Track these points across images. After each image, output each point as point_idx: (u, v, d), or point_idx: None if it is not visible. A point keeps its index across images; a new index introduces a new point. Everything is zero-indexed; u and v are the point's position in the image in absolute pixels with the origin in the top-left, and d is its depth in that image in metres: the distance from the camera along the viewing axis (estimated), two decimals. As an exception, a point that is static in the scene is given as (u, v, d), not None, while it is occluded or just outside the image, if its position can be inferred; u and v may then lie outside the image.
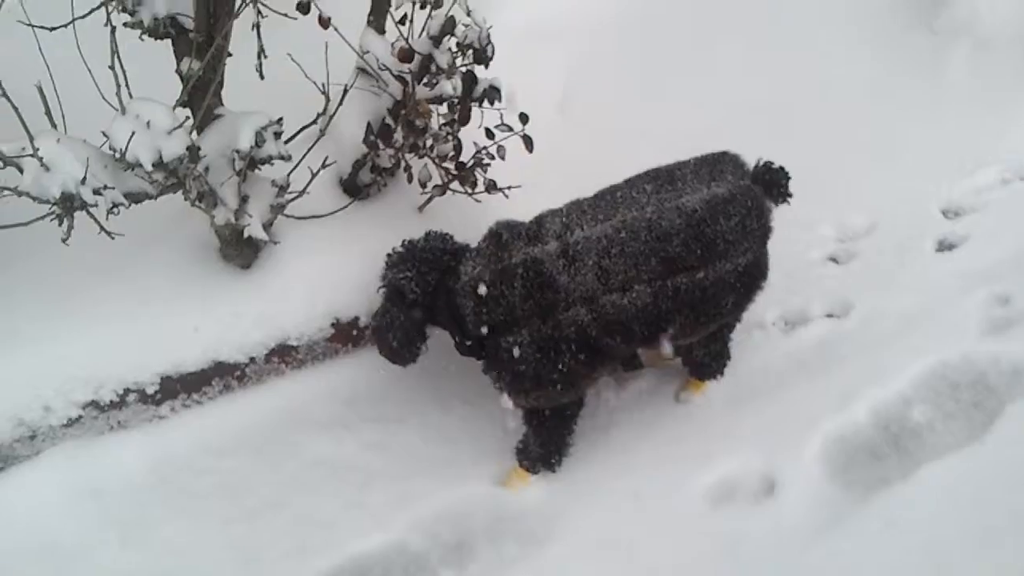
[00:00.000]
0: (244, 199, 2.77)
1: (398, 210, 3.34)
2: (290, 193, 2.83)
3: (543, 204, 3.09)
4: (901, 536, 2.67)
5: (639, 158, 2.86)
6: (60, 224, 2.57)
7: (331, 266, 3.15)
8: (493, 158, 3.02)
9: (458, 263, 2.81)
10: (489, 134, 2.99)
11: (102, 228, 2.61)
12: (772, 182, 2.82)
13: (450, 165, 3.04)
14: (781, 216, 2.93)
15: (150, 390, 3.01)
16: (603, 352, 2.77)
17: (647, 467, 2.98)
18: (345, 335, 3.22)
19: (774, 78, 4.21)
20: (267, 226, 2.85)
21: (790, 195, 2.86)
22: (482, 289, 2.71)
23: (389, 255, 2.89)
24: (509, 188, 3.10)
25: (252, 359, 3.08)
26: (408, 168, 3.06)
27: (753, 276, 2.81)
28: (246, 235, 2.82)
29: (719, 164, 2.77)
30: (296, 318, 3.09)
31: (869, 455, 2.96)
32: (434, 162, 3.04)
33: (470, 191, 3.09)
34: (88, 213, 2.58)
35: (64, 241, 2.54)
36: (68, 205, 2.44)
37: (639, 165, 2.84)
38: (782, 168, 2.85)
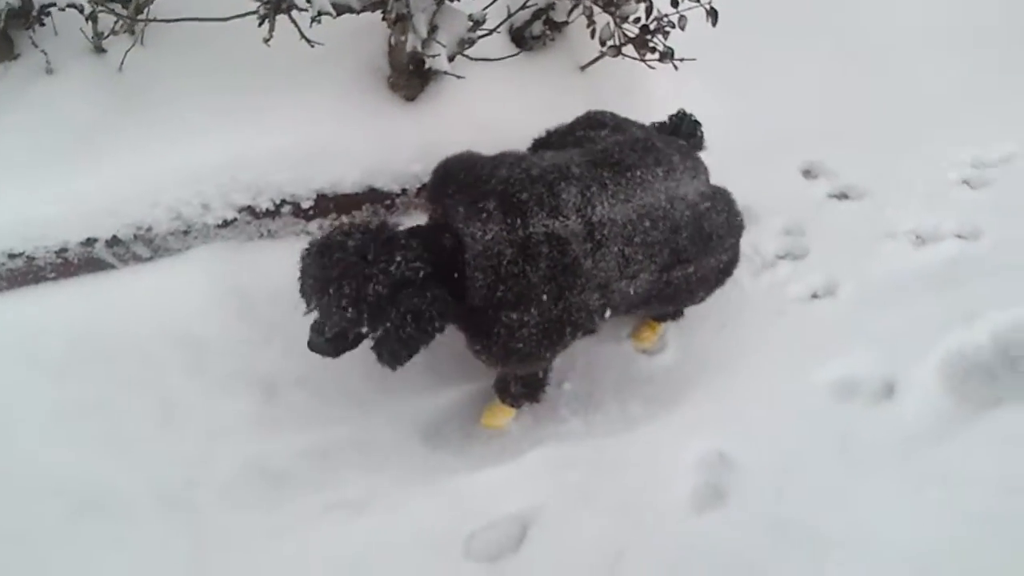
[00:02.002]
0: (433, 29, 2.76)
1: (562, 67, 3.36)
2: (482, 30, 2.82)
3: (695, 87, 3.14)
4: (1011, 450, 2.76)
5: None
6: (260, 24, 2.57)
7: (493, 111, 3.17)
8: (674, 26, 3.00)
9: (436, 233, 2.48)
10: (674, 2, 2.96)
11: (303, 36, 2.62)
12: (687, 133, 2.90)
13: (631, 27, 3.02)
14: (923, 134, 2.99)
15: (305, 204, 3.06)
16: (589, 331, 2.73)
17: (775, 352, 3.05)
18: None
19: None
20: (450, 59, 2.85)
21: (702, 143, 2.96)
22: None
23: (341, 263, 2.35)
24: (682, 60, 3.08)
25: (404, 191, 3.12)
26: (592, 23, 3.03)
27: (727, 273, 2.89)
28: (427, 66, 2.83)
29: (697, 164, 2.79)
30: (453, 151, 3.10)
31: (986, 374, 3.06)
32: (616, 22, 3.02)
33: (643, 57, 3.07)
34: (291, 18, 2.59)
35: (266, 42, 2.55)
36: (277, 5, 2.44)
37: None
38: (692, 118, 2.93)
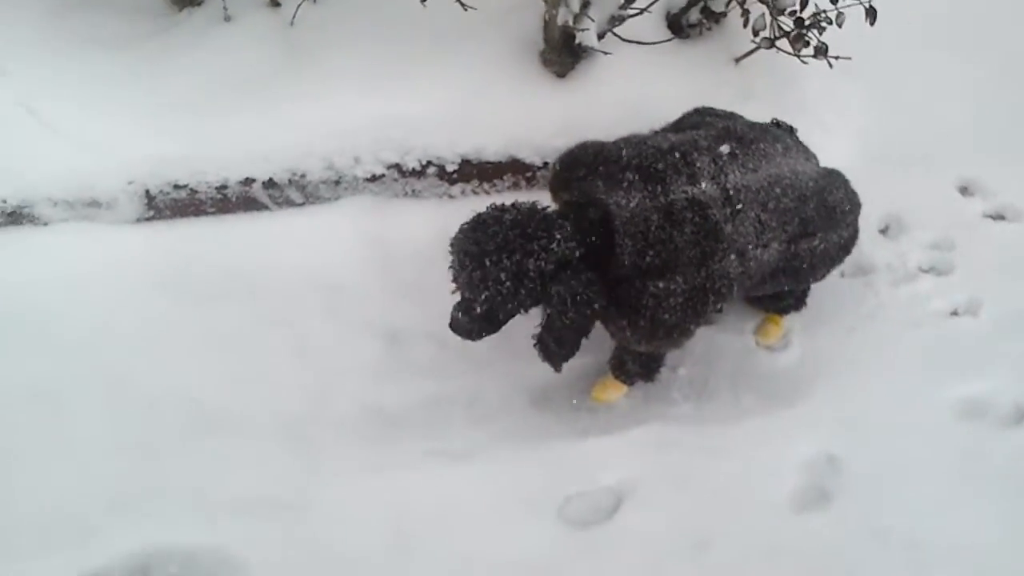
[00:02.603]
0: (585, 4, 2.82)
1: (715, 58, 3.36)
2: (633, 8, 2.86)
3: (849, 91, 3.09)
4: None
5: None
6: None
7: (644, 95, 3.21)
8: (831, 22, 2.96)
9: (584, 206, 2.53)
10: (833, -2, 2.93)
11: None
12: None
13: (787, 20, 3.00)
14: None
15: (449, 168, 3.18)
16: (729, 300, 2.72)
17: (904, 364, 2.97)
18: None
19: None
20: (600, 36, 2.90)
21: None
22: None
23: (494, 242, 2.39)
24: (837, 58, 3.04)
25: (546, 164, 3.18)
26: (746, 12, 3.03)
27: (847, 250, 2.86)
28: (577, 41, 2.89)
29: (807, 150, 2.83)
30: (597, 131, 3.15)
31: None
32: (771, 13, 3.01)
33: (797, 52, 3.04)
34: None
35: (423, 1, 2.66)
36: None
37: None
38: (787, 125, 2.87)
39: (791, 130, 2.86)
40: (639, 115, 3.16)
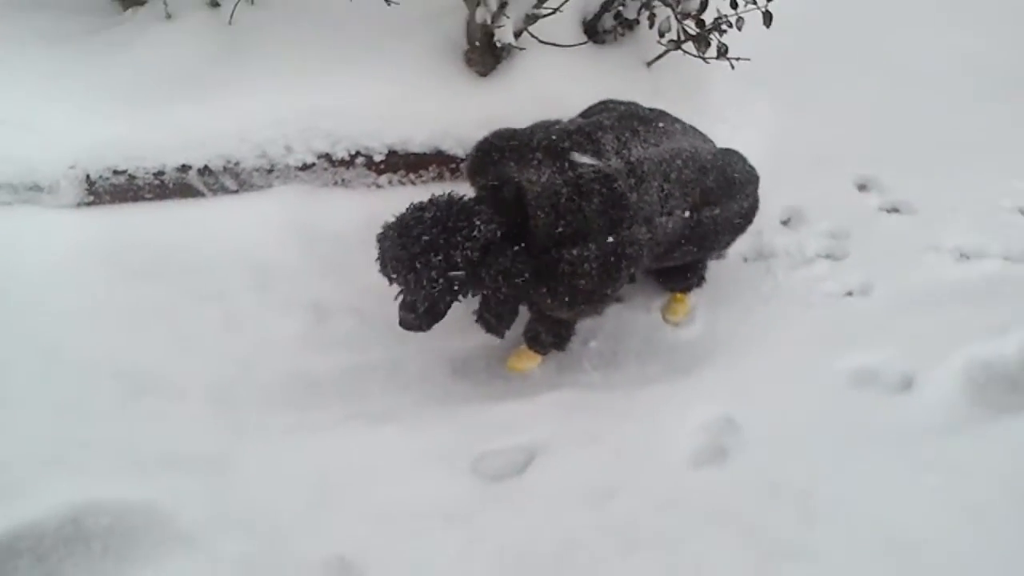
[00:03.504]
0: (503, 4, 3.06)
1: (628, 62, 3.61)
2: (545, 8, 3.11)
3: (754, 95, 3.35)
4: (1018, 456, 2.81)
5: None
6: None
7: (560, 93, 3.41)
8: (731, 26, 3.22)
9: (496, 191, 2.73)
10: (733, 3, 3.19)
11: (383, -6, 2.96)
12: None
13: (691, 23, 3.26)
14: (982, 162, 3.31)
15: (377, 158, 3.38)
16: (640, 269, 2.96)
17: (799, 338, 3.19)
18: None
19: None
20: (516, 35, 3.14)
21: None
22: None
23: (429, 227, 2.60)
24: (738, 59, 3.30)
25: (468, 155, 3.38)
26: (653, 16, 3.29)
27: (748, 220, 3.12)
28: (496, 38, 3.12)
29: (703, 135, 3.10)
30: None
31: (1009, 384, 3.10)
32: (676, 17, 3.27)
33: (702, 53, 3.30)
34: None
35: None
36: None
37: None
38: None
39: None
40: (555, 112, 3.34)
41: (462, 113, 3.39)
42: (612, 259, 2.70)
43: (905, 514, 2.68)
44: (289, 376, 3.05)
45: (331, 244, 3.29)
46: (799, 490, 2.77)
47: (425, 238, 2.54)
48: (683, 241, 2.95)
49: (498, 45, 3.21)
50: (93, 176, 3.23)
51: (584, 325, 3.15)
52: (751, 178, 3.07)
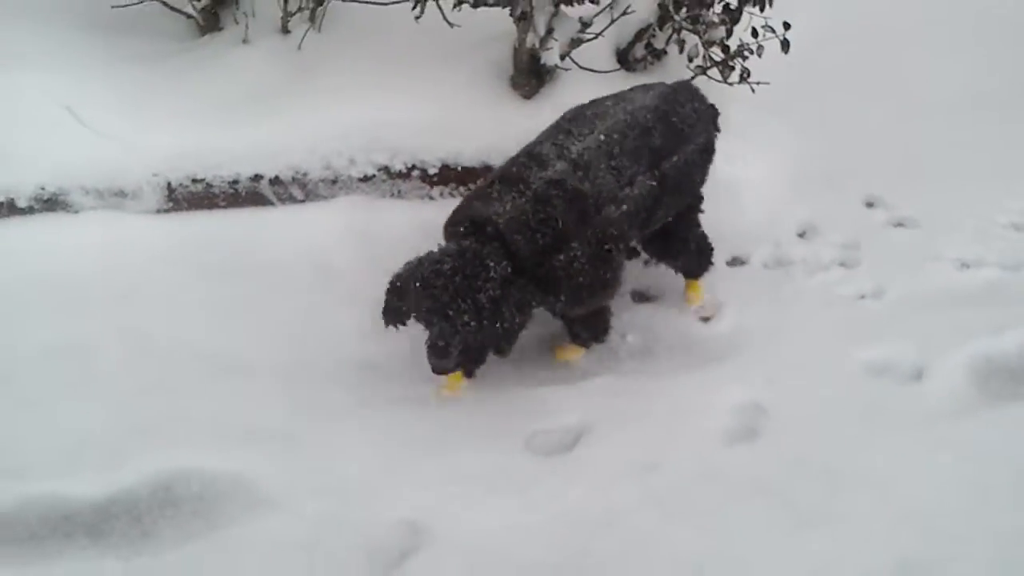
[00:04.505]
0: (550, 31, 3.42)
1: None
2: (588, 33, 3.47)
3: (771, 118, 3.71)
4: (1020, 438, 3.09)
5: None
6: (413, 8, 3.28)
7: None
8: (752, 52, 3.58)
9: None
10: (754, 32, 3.55)
11: (445, 18, 3.31)
12: None
13: (716, 50, 3.62)
14: (979, 182, 3.81)
15: (431, 171, 3.73)
16: (628, 243, 3.21)
17: (819, 333, 3.50)
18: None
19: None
20: (562, 57, 3.50)
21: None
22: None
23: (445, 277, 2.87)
24: (758, 83, 3.65)
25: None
26: (682, 42, 3.65)
27: (709, 152, 3.39)
28: (542, 61, 3.48)
29: (653, 86, 3.35)
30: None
31: (1009, 376, 3.37)
32: (703, 44, 3.63)
33: (725, 78, 3.66)
34: (438, 5, 3.29)
35: (417, 19, 3.25)
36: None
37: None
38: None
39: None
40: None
41: (508, 131, 3.71)
42: (598, 247, 2.97)
43: (921, 487, 2.91)
44: (351, 361, 3.35)
45: (387, 248, 3.56)
46: (825, 465, 3.01)
47: (451, 287, 2.79)
48: (660, 196, 3.18)
49: (544, 66, 3.53)
50: (173, 184, 3.55)
51: (620, 321, 3.42)
52: (702, 114, 3.31)
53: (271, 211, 3.64)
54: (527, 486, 2.97)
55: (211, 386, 3.18)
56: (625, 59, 3.93)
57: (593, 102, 3.25)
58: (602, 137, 3.04)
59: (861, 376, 3.33)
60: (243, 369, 3.23)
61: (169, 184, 3.54)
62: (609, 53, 3.94)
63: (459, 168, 3.73)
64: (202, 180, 3.55)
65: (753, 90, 3.68)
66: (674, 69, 3.94)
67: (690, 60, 3.67)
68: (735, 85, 3.68)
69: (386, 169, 3.67)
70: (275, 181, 3.60)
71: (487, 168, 3.73)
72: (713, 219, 3.76)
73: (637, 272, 3.68)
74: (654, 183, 3.13)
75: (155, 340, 3.25)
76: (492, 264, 2.83)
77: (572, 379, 3.34)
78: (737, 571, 2.74)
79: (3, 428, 2.93)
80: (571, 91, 3.79)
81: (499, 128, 3.73)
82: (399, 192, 3.71)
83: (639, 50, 3.89)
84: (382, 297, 3.45)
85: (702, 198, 3.51)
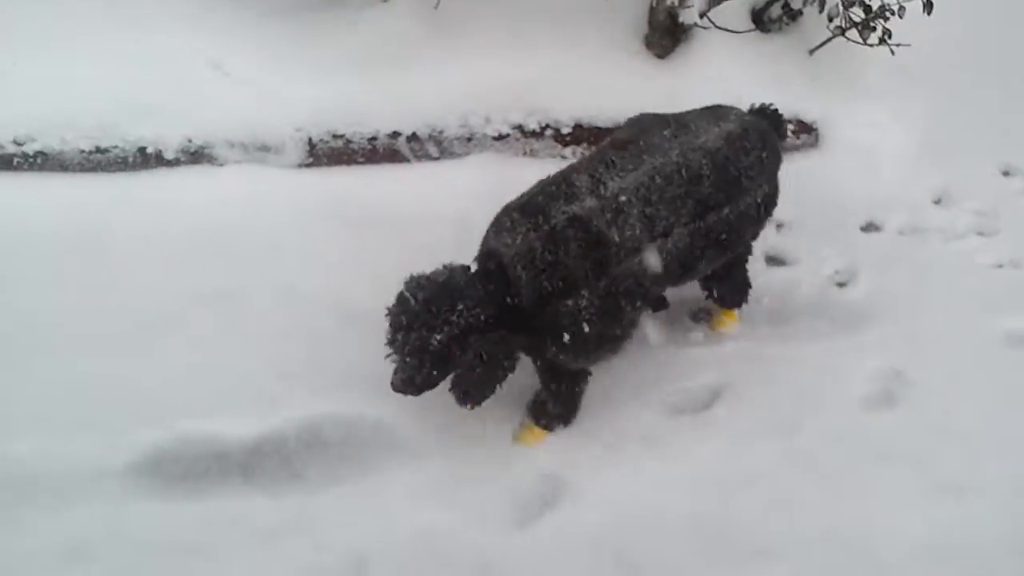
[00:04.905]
0: (689, -13, 3.41)
1: (792, 50, 3.94)
2: (729, -9, 3.45)
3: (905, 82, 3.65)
4: None
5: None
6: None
7: (729, 76, 3.77)
8: (893, 13, 3.52)
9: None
10: (894, -9, 3.49)
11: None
12: (769, 116, 3.05)
13: (857, 10, 3.57)
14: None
15: (564, 131, 3.74)
16: (651, 298, 2.88)
17: (957, 301, 3.51)
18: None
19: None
20: (701, 16, 3.49)
21: (787, 134, 3.10)
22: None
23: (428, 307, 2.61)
24: (898, 45, 3.60)
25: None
26: (823, 2, 3.60)
27: (768, 207, 2.99)
28: (680, 19, 3.47)
29: (720, 109, 2.95)
30: (692, 106, 3.70)
31: None
32: (843, 4, 3.58)
33: (864, 39, 3.60)
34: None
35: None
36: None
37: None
38: (776, 110, 3.07)
39: (779, 117, 3.12)
40: (725, 93, 3.71)
41: (642, 91, 3.74)
42: (610, 301, 2.64)
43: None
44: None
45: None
46: (964, 433, 3.04)
47: (405, 319, 2.58)
48: (702, 250, 2.83)
49: (682, 25, 3.52)
50: (314, 139, 3.62)
51: (756, 284, 3.40)
52: (765, 167, 2.89)
53: (407, 168, 3.69)
54: (666, 442, 3.03)
55: (351, 335, 3.23)
56: (760, 19, 3.89)
57: (654, 123, 2.87)
58: (645, 179, 2.67)
59: (1000, 345, 3.32)
60: (379, 318, 3.27)
61: (310, 139, 3.60)
62: (745, 12, 3.91)
63: (593, 128, 3.70)
64: (342, 136, 3.62)
65: (893, 52, 3.62)
66: (810, 30, 3.91)
67: (830, 20, 3.62)
68: (875, 47, 3.60)
69: (520, 128, 3.69)
70: (412, 138, 3.65)
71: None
72: (847, 184, 3.74)
73: (772, 237, 3.65)
74: (698, 236, 2.78)
75: (298, 290, 3.32)
76: (461, 308, 2.55)
77: (708, 342, 3.36)
78: (873, 534, 2.78)
79: (173, 369, 3.03)
80: (706, 52, 3.81)
81: (632, 88, 3.74)
82: (531, 151, 3.74)
83: (775, 10, 3.85)
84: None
85: (751, 249, 3.21)
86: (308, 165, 3.64)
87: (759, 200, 2.89)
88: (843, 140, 3.85)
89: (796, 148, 3.82)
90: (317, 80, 3.63)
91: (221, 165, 3.60)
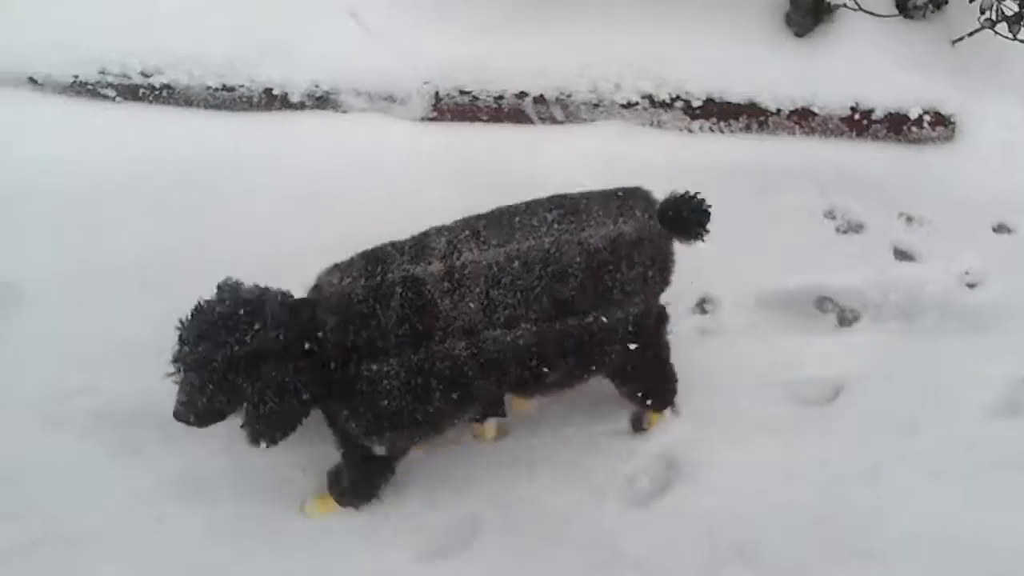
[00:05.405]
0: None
1: (934, 39, 3.79)
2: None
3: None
4: None
5: None
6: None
7: (868, 60, 3.66)
8: (1054, 8, 3.39)
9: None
10: (1056, -13, 3.34)
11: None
12: (686, 218, 2.52)
13: (1011, 4, 3.43)
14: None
15: (694, 103, 3.66)
16: (473, 394, 2.47)
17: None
18: (855, 122, 3.73)
19: None
20: (849, -5, 3.38)
21: (704, 233, 2.53)
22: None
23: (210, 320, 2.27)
24: (1052, 43, 3.46)
25: (779, 111, 3.64)
26: (974, -6, 3.48)
27: (644, 326, 2.60)
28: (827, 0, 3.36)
29: (629, 199, 2.53)
30: (826, 89, 3.62)
31: None
32: (998, -1, 3.45)
33: (1014, 34, 3.47)
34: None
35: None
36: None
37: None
38: (700, 201, 2.52)
39: (703, 213, 2.55)
40: (862, 78, 3.63)
41: (777, 70, 3.65)
42: (420, 377, 2.34)
43: None
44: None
45: (637, 179, 3.55)
46: (1095, 451, 2.92)
47: (200, 327, 2.24)
48: (554, 357, 2.47)
49: (827, 4, 3.42)
50: (441, 94, 3.58)
51: (883, 278, 3.31)
52: (647, 285, 2.51)
53: (531, 129, 3.66)
54: (788, 432, 2.99)
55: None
56: (904, 5, 3.76)
57: (548, 202, 2.52)
58: (502, 259, 2.35)
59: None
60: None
61: (437, 93, 3.56)
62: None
63: (724, 103, 3.62)
64: (469, 92, 3.58)
65: (1048, 49, 3.48)
66: (954, 20, 3.77)
67: (981, 12, 3.48)
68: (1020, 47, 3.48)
69: (650, 98, 3.62)
70: (539, 100, 3.60)
71: (752, 105, 3.65)
72: (981, 182, 3.63)
73: (901, 230, 3.56)
74: (546, 338, 2.41)
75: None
76: (257, 328, 2.23)
77: (832, 332, 3.30)
78: (990, 543, 2.71)
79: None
80: (846, 33, 3.70)
81: (768, 65, 3.67)
82: (658, 122, 3.68)
83: (921, -3, 3.72)
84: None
85: (668, 350, 2.83)
86: (432, 119, 3.59)
87: (631, 317, 2.49)
88: (980, 136, 3.71)
89: (931, 140, 3.70)
90: (450, 38, 3.60)
91: (345, 112, 3.55)
